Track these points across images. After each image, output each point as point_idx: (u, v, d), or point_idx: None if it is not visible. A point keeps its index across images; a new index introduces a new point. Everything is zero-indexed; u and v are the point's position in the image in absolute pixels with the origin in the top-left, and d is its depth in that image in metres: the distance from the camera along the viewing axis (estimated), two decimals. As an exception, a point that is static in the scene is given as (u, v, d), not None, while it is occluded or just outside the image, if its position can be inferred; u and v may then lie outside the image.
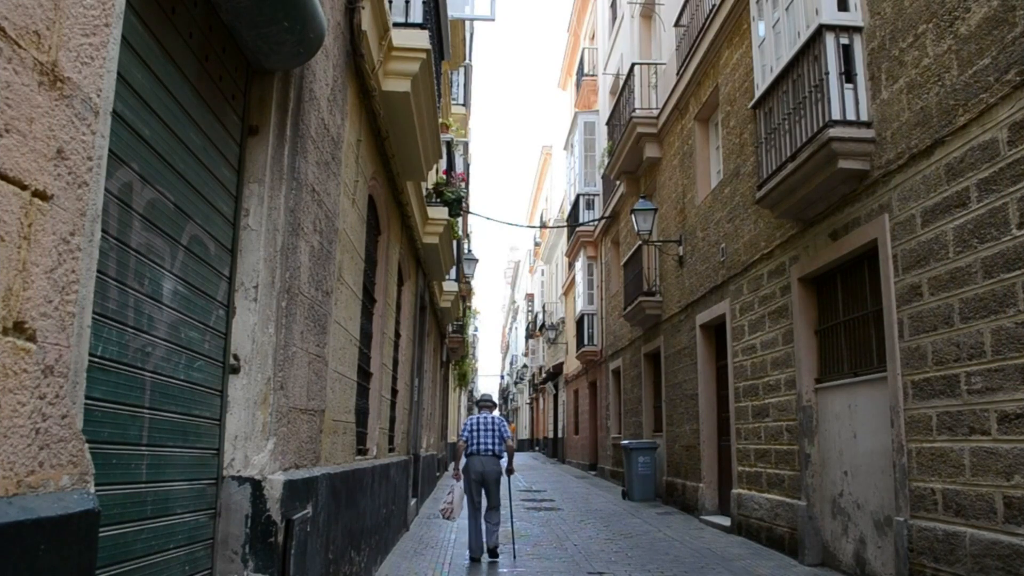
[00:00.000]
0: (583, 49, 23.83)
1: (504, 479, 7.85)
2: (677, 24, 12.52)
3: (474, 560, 7.51)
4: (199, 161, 2.89)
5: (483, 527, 7.65)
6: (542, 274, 37.19)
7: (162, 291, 2.60)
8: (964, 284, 5.12)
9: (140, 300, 2.43)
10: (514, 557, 7.66)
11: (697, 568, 7.18)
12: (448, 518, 7.84)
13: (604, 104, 19.85)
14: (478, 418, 7.86)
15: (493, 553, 7.61)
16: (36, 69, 1.58)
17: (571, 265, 25.12)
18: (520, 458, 31.48)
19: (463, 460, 7.87)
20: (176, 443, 2.75)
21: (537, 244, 39.84)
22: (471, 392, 41.54)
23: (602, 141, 19.22)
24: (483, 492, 7.66)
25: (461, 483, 7.88)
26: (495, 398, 8.76)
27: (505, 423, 7.96)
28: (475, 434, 7.70)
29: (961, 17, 5.22)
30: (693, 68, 11.36)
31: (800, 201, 7.28)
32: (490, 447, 7.64)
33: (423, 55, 5.65)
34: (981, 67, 5.00)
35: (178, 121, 2.68)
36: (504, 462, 7.85)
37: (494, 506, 7.66)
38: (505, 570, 7.12)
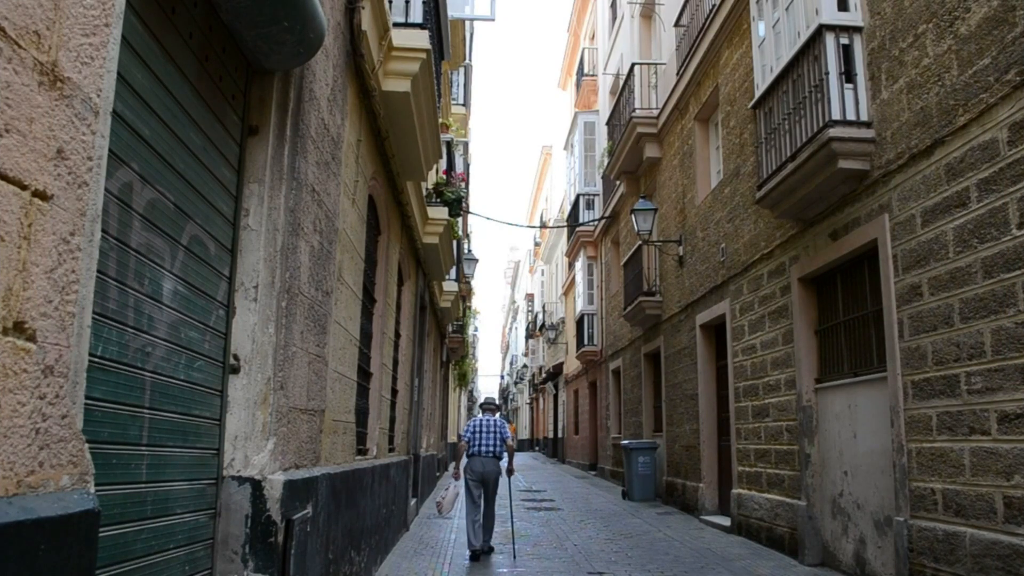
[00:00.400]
0: (583, 49, 23.83)
1: (504, 479, 8.06)
2: (677, 24, 12.52)
3: (473, 558, 7.63)
4: (199, 161, 2.89)
5: (481, 524, 7.81)
6: (542, 274, 37.18)
7: (162, 291, 2.60)
8: (964, 284, 5.12)
9: (140, 300, 2.43)
10: (514, 557, 7.70)
11: (697, 568, 7.18)
12: (440, 512, 8.09)
13: (604, 104, 19.85)
14: (480, 420, 8.10)
15: (487, 552, 7.85)
16: (36, 69, 1.58)
17: (571, 265, 25.12)
18: (520, 458, 31.76)
19: (464, 460, 8.09)
20: (176, 443, 2.75)
21: (537, 244, 39.84)
22: (471, 392, 41.58)
23: (602, 141, 19.22)
24: (483, 491, 7.88)
25: (460, 482, 8.11)
26: (496, 400, 9.03)
27: (506, 425, 8.20)
28: (477, 435, 7.93)
29: (961, 17, 5.22)
30: (693, 68, 11.35)
31: (800, 201, 7.28)
32: (491, 448, 7.88)
33: (423, 55, 5.65)
34: (981, 67, 5.00)
35: (178, 121, 2.68)
36: (504, 463, 8.06)
37: (490, 508, 7.90)
38: (505, 570, 7.13)
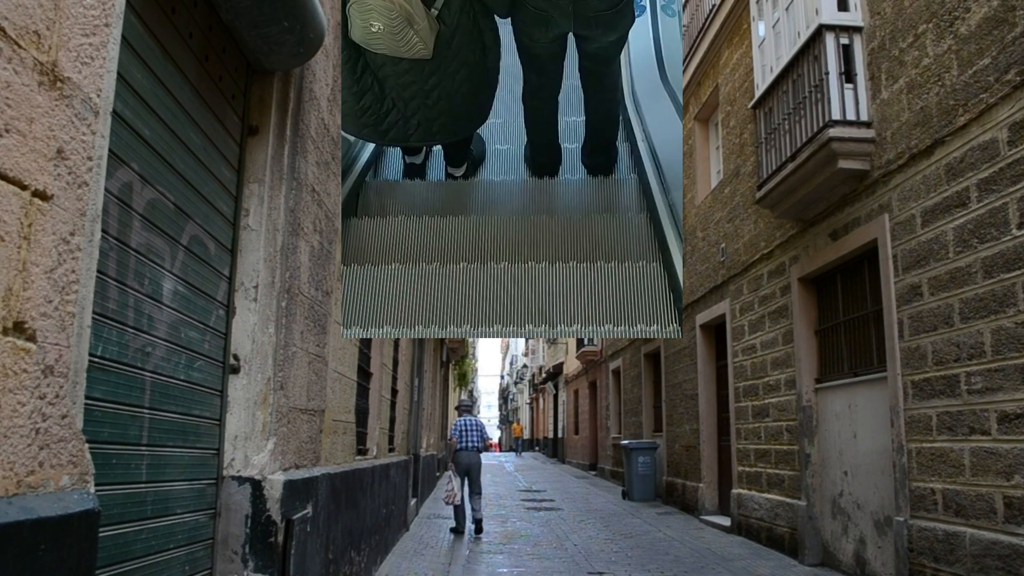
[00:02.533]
0: (583, 49, 23.78)
1: (484, 467, 9.64)
2: (677, 24, 12.52)
3: (457, 532, 9.05)
4: (199, 161, 2.89)
5: (467, 508, 9.29)
6: (542, 274, 37.08)
7: (162, 291, 2.60)
8: (964, 284, 5.12)
9: (140, 300, 2.43)
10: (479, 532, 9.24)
11: (697, 568, 7.18)
12: (451, 503, 9.17)
13: (604, 104, 19.80)
14: (465, 420, 9.62)
15: (478, 527, 9.11)
16: (36, 69, 1.58)
17: (571, 265, 25.06)
18: (521, 458, 32.47)
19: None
20: (176, 443, 2.75)
21: (537, 244, 39.73)
22: (471, 392, 41.65)
23: (602, 141, 19.17)
24: (467, 479, 9.30)
25: (455, 475, 9.28)
26: (469, 401, 10.28)
27: (484, 426, 9.90)
28: (464, 434, 9.46)
29: (961, 17, 5.22)
30: (693, 68, 11.36)
31: (800, 201, 7.28)
32: (475, 444, 9.48)
33: (423, 55, 5.64)
34: (981, 67, 5.00)
35: (178, 121, 2.68)
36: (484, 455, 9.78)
37: (477, 492, 9.31)
38: (505, 570, 7.13)
